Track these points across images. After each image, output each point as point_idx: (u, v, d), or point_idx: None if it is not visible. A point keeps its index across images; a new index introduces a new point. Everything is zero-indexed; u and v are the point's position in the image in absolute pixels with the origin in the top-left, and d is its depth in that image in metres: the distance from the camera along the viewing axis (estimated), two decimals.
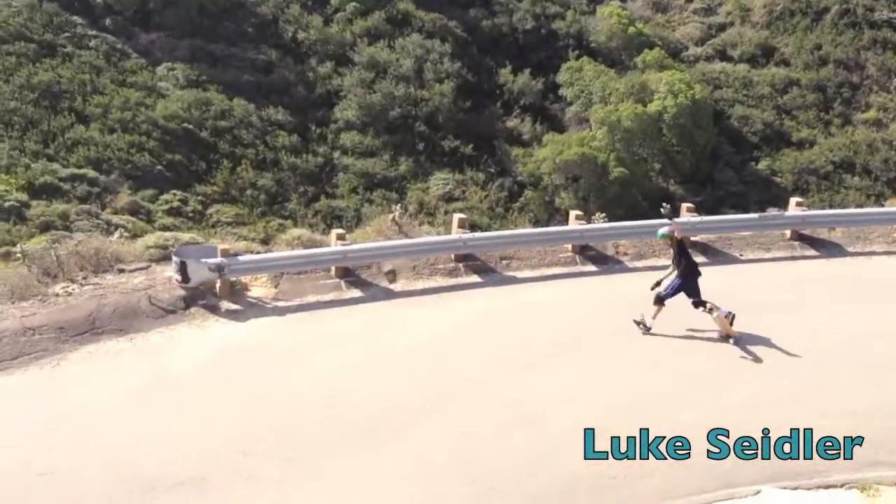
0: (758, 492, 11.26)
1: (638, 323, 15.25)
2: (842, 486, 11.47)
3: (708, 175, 25.42)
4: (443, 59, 25.67)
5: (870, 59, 28.59)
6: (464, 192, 24.16)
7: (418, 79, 26.46)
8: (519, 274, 17.88)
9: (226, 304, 15.94)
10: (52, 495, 10.95)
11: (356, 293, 16.77)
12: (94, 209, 20.83)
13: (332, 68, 26.48)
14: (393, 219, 19.55)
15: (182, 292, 15.87)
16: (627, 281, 18.00)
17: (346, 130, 25.08)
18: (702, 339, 15.30)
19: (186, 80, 24.98)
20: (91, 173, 21.81)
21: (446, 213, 22.85)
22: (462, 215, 19.01)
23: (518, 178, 24.74)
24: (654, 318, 15.10)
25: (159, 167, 22.80)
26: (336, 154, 24.52)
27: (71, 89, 24.21)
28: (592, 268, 18.51)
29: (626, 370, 14.25)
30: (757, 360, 14.69)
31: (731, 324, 15.04)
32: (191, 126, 23.79)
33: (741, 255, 19.46)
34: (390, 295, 16.81)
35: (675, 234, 15.13)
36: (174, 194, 22.41)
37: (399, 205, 21.57)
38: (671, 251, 15.48)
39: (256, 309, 15.97)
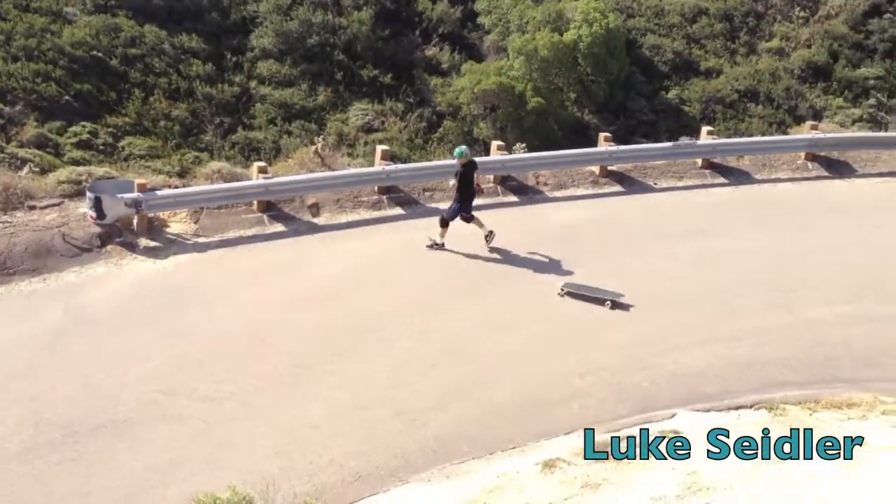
0: (673, 415, 11.78)
1: (430, 246, 15.94)
2: (751, 406, 12.08)
3: (621, 104, 25.72)
4: None
5: None
6: (383, 122, 23.98)
7: (336, 5, 25.94)
8: (442, 205, 17.90)
9: (144, 242, 15.66)
10: None
11: (279, 227, 16.67)
12: None
13: None
14: (315, 150, 19.35)
15: (97, 229, 15.53)
16: (548, 210, 18.32)
17: (262, 59, 24.49)
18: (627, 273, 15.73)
19: (94, 6, 23.96)
20: None
21: (366, 143, 22.68)
22: (385, 147, 18.95)
23: (437, 109, 24.62)
24: (442, 237, 15.93)
25: (67, 97, 21.93)
26: (253, 84, 23.99)
27: None
28: (513, 198, 18.73)
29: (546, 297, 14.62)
30: (672, 286, 15.18)
31: (488, 240, 16.00)
32: (100, 54, 22.88)
33: (655, 183, 19.91)
34: (314, 229, 16.75)
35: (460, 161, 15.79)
36: (83, 126, 21.63)
37: (321, 136, 21.32)
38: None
39: (176, 245, 15.75)
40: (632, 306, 14.47)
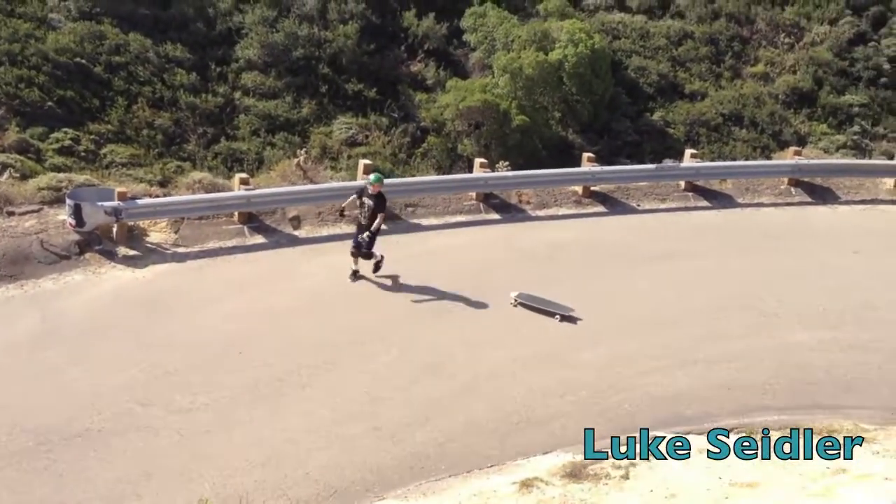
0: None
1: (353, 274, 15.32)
2: (730, 430, 11.99)
3: (605, 124, 25.78)
4: None
5: (759, 13, 29.26)
6: (367, 136, 23.89)
7: (322, 19, 25.88)
8: (424, 221, 17.95)
9: (123, 250, 15.53)
10: None
11: (260, 239, 16.57)
12: None
13: (233, 4, 25.56)
14: (297, 163, 19.29)
15: (77, 237, 15.38)
16: (529, 229, 18.31)
17: (247, 70, 24.36)
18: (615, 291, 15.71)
19: (79, 12, 23.80)
20: None
21: (349, 157, 22.58)
22: (367, 161, 18.89)
23: (421, 124, 24.55)
24: (356, 265, 15.32)
25: (50, 103, 21.71)
26: (237, 95, 23.86)
27: None
28: (496, 216, 18.71)
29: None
30: (654, 308, 15.16)
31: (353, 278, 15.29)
32: (83, 61, 22.69)
33: (638, 205, 19.96)
34: (295, 241, 16.66)
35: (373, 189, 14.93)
36: (65, 132, 21.41)
37: (304, 149, 21.22)
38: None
39: (155, 255, 15.62)
40: (580, 320, 14.53)
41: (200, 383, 12.16)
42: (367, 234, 14.92)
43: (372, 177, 15.18)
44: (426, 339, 13.69)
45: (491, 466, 11.07)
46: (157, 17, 24.88)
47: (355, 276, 15.34)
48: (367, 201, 14.94)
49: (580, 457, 10.88)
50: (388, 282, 15.28)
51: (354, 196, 15.22)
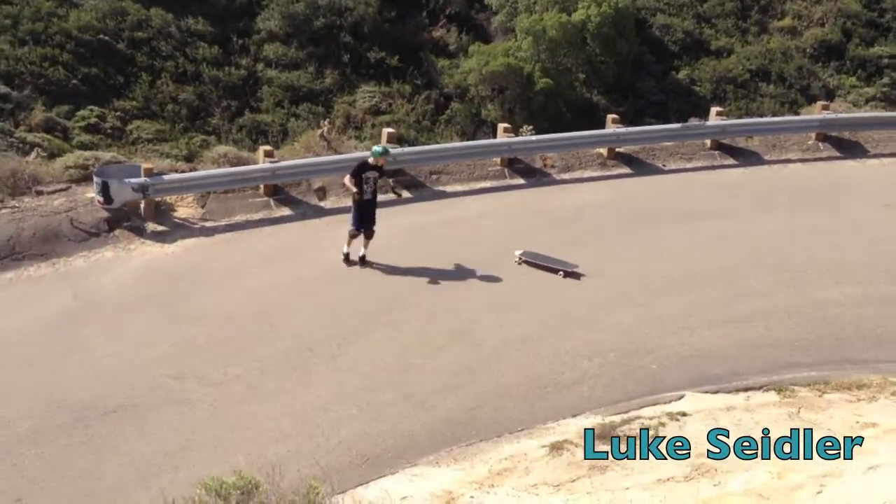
0: (682, 396, 11.75)
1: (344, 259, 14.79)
2: (760, 388, 12.02)
3: (630, 84, 25.52)
4: None
5: None
6: (390, 104, 23.86)
7: None
8: (449, 188, 17.96)
9: (151, 226, 15.70)
10: None
11: (286, 211, 16.67)
12: (7, 127, 20.04)
13: None
14: (321, 134, 19.31)
15: (105, 214, 15.56)
16: (555, 193, 18.26)
17: (269, 42, 24.38)
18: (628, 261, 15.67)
19: None
20: (2, 88, 20.93)
21: (373, 126, 22.58)
22: (391, 129, 18.91)
23: (444, 90, 24.48)
24: (350, 246, 14.76)
25: (75, 81, 21.88)
26: (259, 66, 23.91)
27: None
28: (521, 181, 18.67)
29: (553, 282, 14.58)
30: (681, 267, 15.11)
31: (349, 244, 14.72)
32: (106, 37, 22.82)
33: (664, 165, 19.82)
34: (321, 212, 16.74)
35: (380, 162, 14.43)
36: (91, 110, 21.60)
37: (327, 120, 21.24)
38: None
39: (183, 230, 15.77)
40: (583, 275, 14.62)
41: (232, 355, 12.31)
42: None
43: (377, 148, 14.68)
44: (454, 306, 13.74)
45: (521, 430, 11.14)
46: None
47: (350, 260, 14.71)
48: (371, 174, 14.38)
49: (609, 419, 10.92)
50: (414, 251, 15.32)
51: (351, 175, 14.27)
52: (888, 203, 17.91)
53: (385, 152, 14.63)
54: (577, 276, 14.66)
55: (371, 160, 14.40)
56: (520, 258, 14.97)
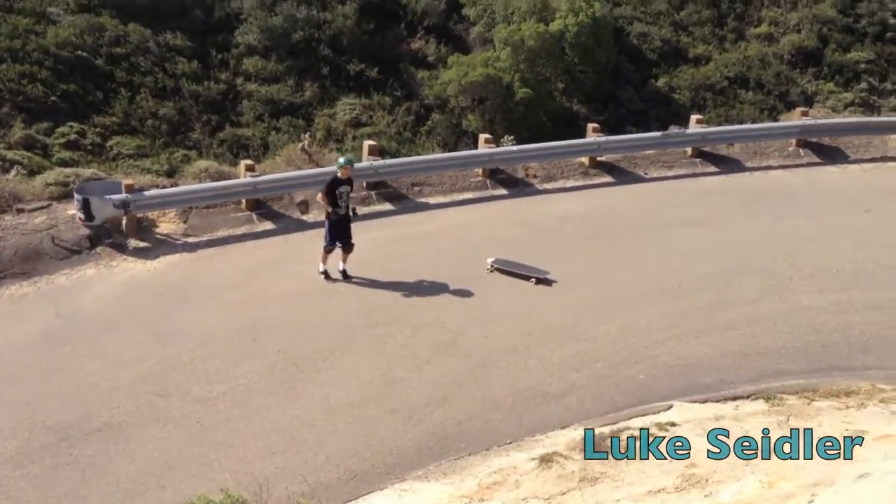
0: (670, 406, 11.74)
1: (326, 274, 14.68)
2: (748, 397, 12.04)
3: (610, 93, 25.60)
4: None
5: None
6: (371, 116, 23.83)
7: (320, 0, 25.80)
8: (431, 200, 17.93)
9: (133, 242, 15.58)
10: None
11: (268, 225, 16.60)
12: None
13: None
14: (302, 147, 19.27)
15: (87, 231, 15.43)
16: (537, 203, 18.27)
17: (248, 56, 24.28)
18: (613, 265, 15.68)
19: (77, 5, 23.71)
20: None
21: (354, 139, 22.52)
22: (372, 142, 18.86)
23: (425, 102, 24.46)
24: (326, 263, 14.68)
25: (53, 98, 21.71)
26: (239, 80, 23.80)
27: None
28: (503, 191, 18.68)
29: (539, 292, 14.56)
30: (665, 276, 15.13)
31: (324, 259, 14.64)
32: (84, 54, 22.65)
33: (646, 173, 19.89)
34: (303, 226, 16.67)
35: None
36: (71, 126, 21.42)
37: (308, 133, 21.17)
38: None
39: (166, 246, 15.66)
40: (555, 282, 14.63)
41: (217, 372, 12.21)
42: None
43: (341, 159, 14.46)
44: (438, 318, 13.70)
45: (510, 443, 11.10)
46: (156, 6, 24.79)
47: (330, 277, 14.59)
48: (344, 189, 14.21)
49: (598, 430, 10.89)
50: (397, 263, 15.28)
51: (323, 193, 14.18)
52: (869, 209, 18.03)
53: (349, 162, 14.54)
54: (548, 282, 14.70)
55: (339, 174, 14.25)
56: (491, 266, 15.00)
